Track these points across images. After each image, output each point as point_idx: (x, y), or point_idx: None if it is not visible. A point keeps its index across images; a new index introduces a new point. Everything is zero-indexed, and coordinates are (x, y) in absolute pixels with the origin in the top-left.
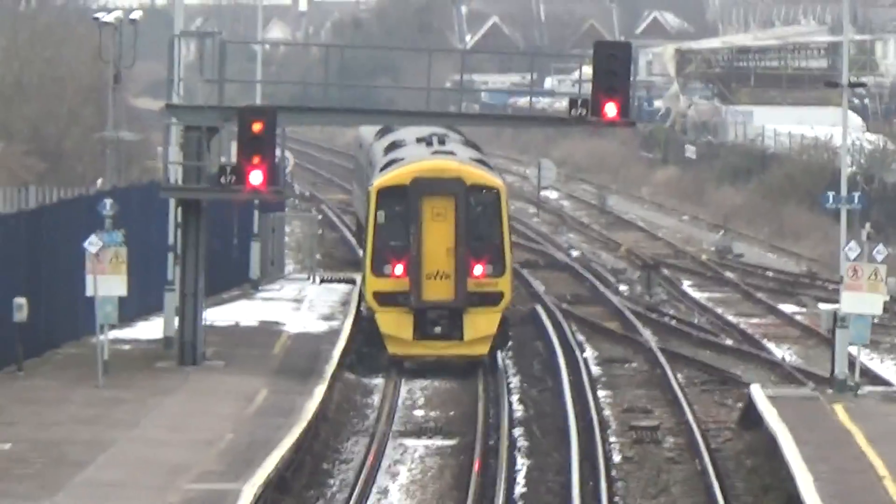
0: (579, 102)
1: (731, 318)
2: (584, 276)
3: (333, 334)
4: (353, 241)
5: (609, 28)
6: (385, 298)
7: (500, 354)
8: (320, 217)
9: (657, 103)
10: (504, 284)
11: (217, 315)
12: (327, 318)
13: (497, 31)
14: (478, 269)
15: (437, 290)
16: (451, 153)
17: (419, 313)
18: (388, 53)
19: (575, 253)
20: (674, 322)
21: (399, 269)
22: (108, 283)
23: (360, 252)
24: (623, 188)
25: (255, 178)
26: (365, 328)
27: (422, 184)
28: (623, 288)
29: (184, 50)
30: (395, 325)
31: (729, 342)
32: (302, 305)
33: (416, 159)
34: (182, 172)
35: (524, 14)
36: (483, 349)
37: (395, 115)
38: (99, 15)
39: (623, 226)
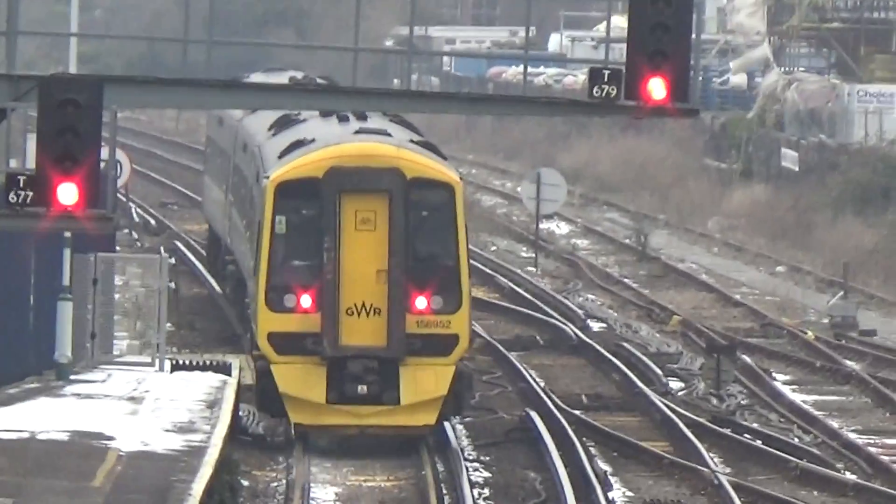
0: (606, 76)
1: (852, 436)
2: (610, 365)
3: (193, 456)
4: (224, 300)
5: None
6: (286, 343)
7: (471, 494)
8: (173, 261)
9: (734, 79)
10: (459, 324)
11: (0, 422)
12: (183, 429)
13: None
14: (421, 302)
15: (362, 332)
16: (383, 132)
17: (335, 366)
18: None
19: (596, 326)
20: (758, 442)
21: (306, 300)
22: None
23: (240, 287)
24: (677, 219)
25: (67, 194)
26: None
27: (342, 176)
28: (676, 385)
29: None
30: (300, 382)
31: (850, 476)
32: (141, 408)
33: (331, 141)
34: None
35: None
36: (428, 418)
37: (299, 93)
38: None
39: (676, 281)
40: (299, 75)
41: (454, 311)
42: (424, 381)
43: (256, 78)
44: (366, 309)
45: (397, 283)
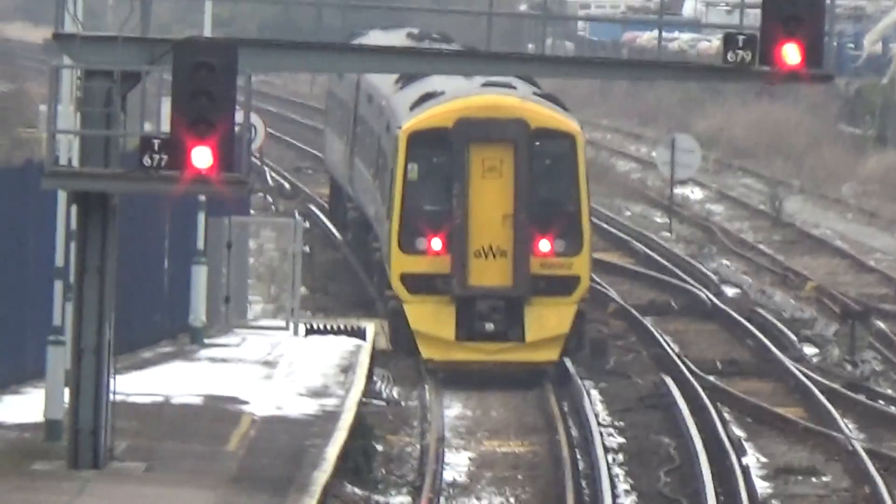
0: (741, 42)
1: None
2: (744, 331)
3: (327, 421)
4: (360, 265)
5: None
6: (417, 284)
7: (605, 458)
8: (308, 225)
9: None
10: (581, 266)
11: (135, 385)
12: (317, 393)
13: None
14: (545, 245)
15: (490, 273)
16: (508, 85)
17: (464, 304)
18: None
19: (730, 291)
20: (892, 409)
21: (437, 243)
22: None
23: (379, 236)
24: (812, 185)
25: (201, 158)
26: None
27: (470, 126)
28: (810, 351)
29: None
30: (431, 320)
31: None
32: (276, 372)
33: (460, 93)
34: (80, 148)
35: None
36: (552, 354)
37: (435, 57)
38: None
39: (811, 247)
40: (415, 31)
41: (576, 253)
42: (548, 320)
43: (374, 35)
44: (492, 251)
45: (522, 227)
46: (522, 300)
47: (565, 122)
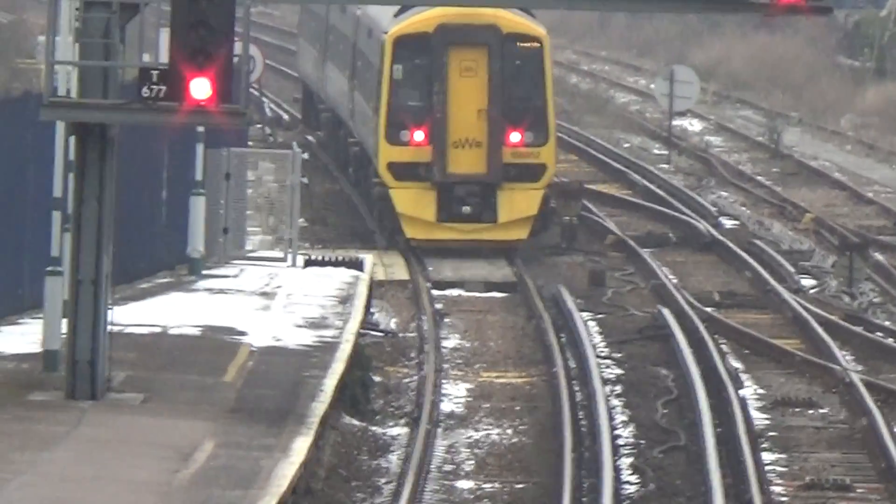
0: None
1: None
2: (742, 262)
3: (325, 352)
4: (359, 198)
5: None
6: (402, 171)
7: (603, 390)
8: (306, 156)
9: None
10: (547, 155)
11: (133, 316)
12: (315, 324)
13: None
14: (515, 137)
15: (466, 162)
16: None
17: (444, 189)
18: None
19: (729, 223)
20: (890, 340)
21: (419, 135)
22: None
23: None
24: (810, 117)
25: (200, 89)
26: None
27: (449, 31)
28: (808, 283)
29: None
30: (414, 203)
31: None
32: (274, 303)
33: (439, 1)
34: (79, 79)
35: None
36: (522, 233)
37: None
38: None
39: (809, 179)
40: None
41: (542, 143)
42: (518, 203)
43: None
44: (469, 142)
45: (495, 121)
46: (495, 186)
47: (533, 27)
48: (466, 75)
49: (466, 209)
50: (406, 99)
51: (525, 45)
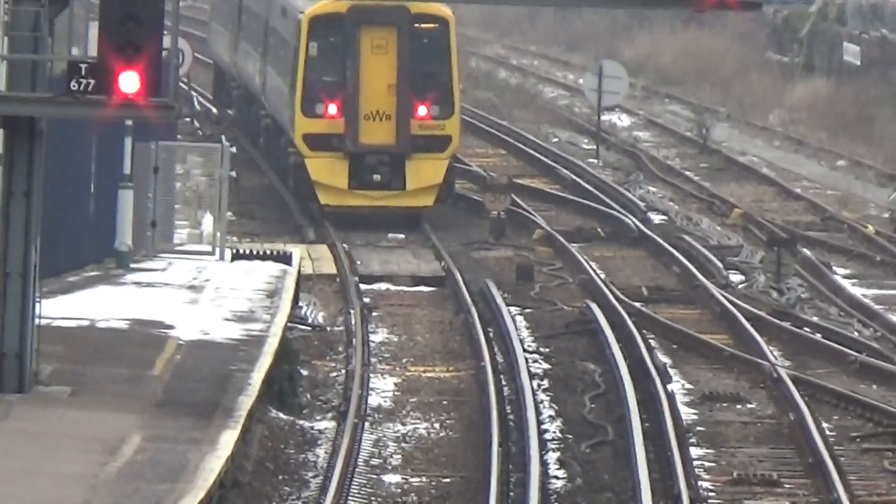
0: None
1: None
2: (671, 258)
3: (253, 346)
4: (286, 191)
5: None
6: (316, 142)
7: (530, 385)
8: (234, 150)
9: None
10: (452, 127)
11: (60, 309)
12: (243, 318)
13: None
14: (422, 110)
15: (376, 133)
16: None
17: (355, 159)
18: None
19: (657, 218)
20: (818, 336)
21: (333, 108)
22: None
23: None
24: (739, 112)
25: (129, 82)
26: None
27: (361, 12)
28: (736, 278)
29: None
30: (327, 172)
31: None
32: (202, 296)
33: None
34: (7, 72)
35: None
36: (428, 200)
37: None
38: None
39: (738, 174)
40: None
41: (448, 117)
42: (425, 172)
43: None
44: (379, 115)
45: (404, 95)
46: (404, 156)
47: (440, 8)
48: (377, 52)
49: (376, 177)
50: (320, 74)
51: (431, 25)
